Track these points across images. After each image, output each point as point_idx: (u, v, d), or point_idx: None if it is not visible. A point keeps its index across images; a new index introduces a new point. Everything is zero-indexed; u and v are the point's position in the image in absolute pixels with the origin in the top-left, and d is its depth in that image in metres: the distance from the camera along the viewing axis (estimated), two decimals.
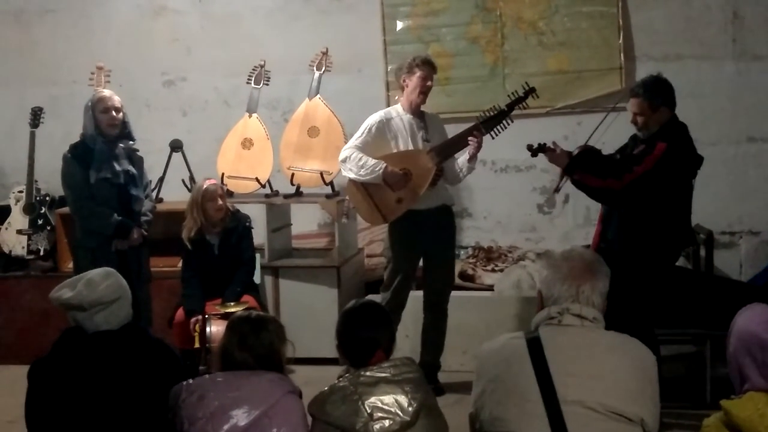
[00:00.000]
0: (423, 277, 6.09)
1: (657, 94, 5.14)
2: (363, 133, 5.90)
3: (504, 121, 5.74)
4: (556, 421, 2.85)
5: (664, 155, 4.99)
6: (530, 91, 5.76)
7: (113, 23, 7.96)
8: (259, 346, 3.48)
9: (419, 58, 5.88)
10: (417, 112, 5.90)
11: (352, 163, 5.82)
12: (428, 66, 5.83)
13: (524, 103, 5.79)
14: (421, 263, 6.06)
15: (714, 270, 6.41)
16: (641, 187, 5.00)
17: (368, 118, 5.97)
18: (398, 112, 5.92)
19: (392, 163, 5.76)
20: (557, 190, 5.65)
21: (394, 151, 5.85)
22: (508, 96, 5.80)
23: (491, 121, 5.72)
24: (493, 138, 5.80)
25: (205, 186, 6.04)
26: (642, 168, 5.00)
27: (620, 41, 7.15)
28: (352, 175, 5.87)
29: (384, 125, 5.87)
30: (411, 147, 5.83)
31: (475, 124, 5.75)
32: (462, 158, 5.83)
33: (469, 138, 5.70)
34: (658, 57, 7.15)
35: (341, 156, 5.90)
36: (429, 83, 5.84)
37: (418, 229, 5.86)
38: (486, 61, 7.40)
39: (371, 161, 5.77)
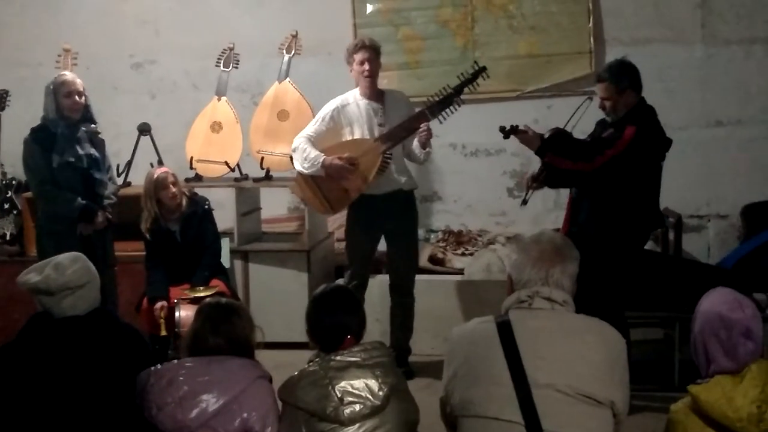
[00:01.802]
0: (387, 261, 6.12)
1: (622, 76, 5.19)
2: (317, 121, 5.92)
3: (453, 104, 5.66)
4: (527, 404, 2.87)
5: (634, 138, 5.03)
6: (480, 71, 5.68)
7: (81, 4, 7.86)
8: (231, 332, 3.48)
9: (353, 44, 5.85)
10: (374, 95, 5.86)
11: (298, 154, 5.84)
12: (364, 50, 5.77)
13: (475, 84, 5.72)
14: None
15: (682, 253, 6.45)
16: (612, 169, 5.04)
17: (324, 106, 5.96)
18: (355, 97, 5.88)
19: (339, 151, 5.74)
20: (525, 202, 5.62)
21: (349, 138, 5.83)
22: (458, 77, 5.72)
23: (439, 106, 5.64)
24: (440, 122, 5.76)
25: (155, 175, 5.97)
26: (612, 151, 5.03)
27: (590, 25, 7.15)
28: (298, 166, 5.89)
29: (338, 112, 5.86)
30: (366, 133, 5.79)
31: (421, 110, 5.69)
32: (416, 144, 5.80)
33: (420, 126, 5.64)
34: (627, 41, 7.17)
35: (293, 145, 5.92)
36: (367, 67, 5.75)
37: (374, 214, 5.86)
38: (456, 45, 7.38)
39: (313, 153, 5.76)
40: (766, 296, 5.47)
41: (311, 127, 5.91)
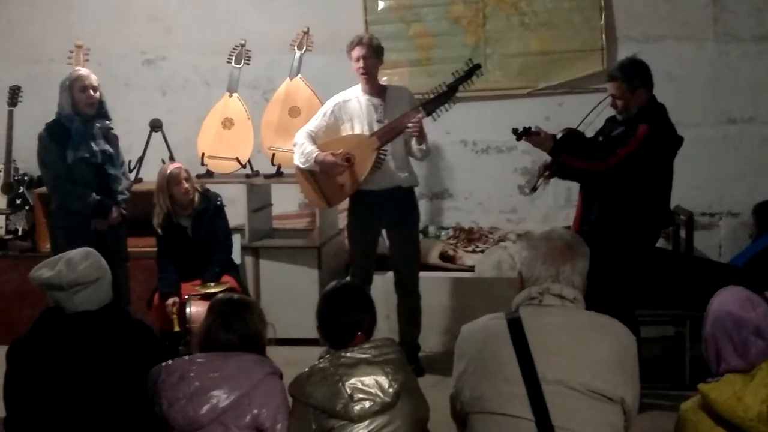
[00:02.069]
0: (390, 258, 6.16)
1: (634, 75, 5.18)
2: (318, 116, 5.98)
3: (448, 102, 5.66)
4: (537, 400, 2.86)
5: (647, 136, 5.03)
6: (474, 68, 5.67)
7: (93, 1, 7.88)
8: (243, 328, 3.48)
9: (351, 40, 5.86)
10: (375, 91, 5.88)
11: (296, 148, 5.93)
12: (359, 47, 5.78)
13: (469, 81, 5.70)
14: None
15: (694, 251, 6.44)
16: (626, 168, 5.04)
17: (327, 101, 6.02)
18: (357, 93, 5.91)
19: (336, 147, 5.79)
20: (534, 189, 5.62)
21: (349, 133, 5.86)
22: (452, 74, 5.73)
23: (433, 103, 5.65)
24: (434, 120, 5.77)
25: (168, 170, 5.97)
26: (626, 150, 5.03)
27: (602, 22, 7.13)
28: (296, 161, 5.96)
29: (339, 108, 5.90)
30: (366, 129, 5.81)
31: (415, 107, 5.70)
32: (413, 141, 5.81)
33: (409, 123, 5.65)
34: (639, 38, 7.15)
35: (294, 140, 6.00)
36: (361, 64, 5.77)
37: (372, 209, 5.90)
38: (467, 41, 7.36)
39: (308, 148, 5.83)
40: None
41: (313, 122, 5.98)
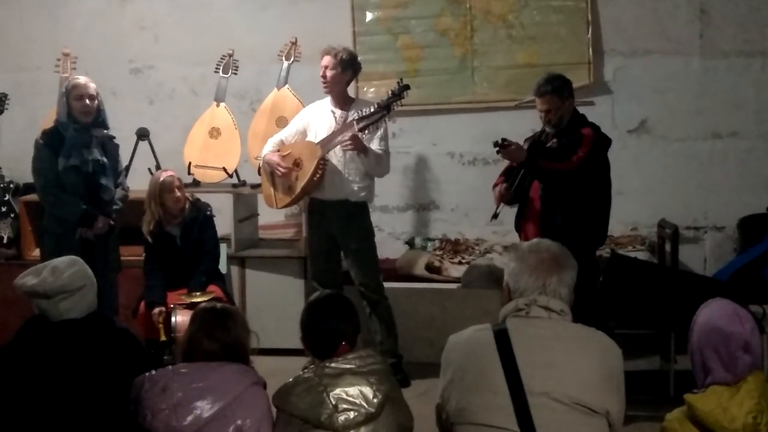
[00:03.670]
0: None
1: (563, 87, 5.43)
2: (292, 122, 6.19)
3: (381, 120, 5.76)
4: (522, 412, 2.86)
5: (595, 137, 5.34)
6: (403, 89, 5.74)
7: (80, 9, 7.87)
8: (226, 337, 3.46)
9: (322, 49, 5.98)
10: (340, 103, 5.97)
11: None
12: (326, 56, 5.89)
13: (399, 102, 5.77)
14: None
15: (679, 264, 6.46)
16: (586, 168, 5.27)
17: (304, 108, 6.23)
18: (326, 103, 6.02)
19: (292, 149, 5.99)
20: (495, 216, 5.69)
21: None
22: (387, 93, 5.84)
23: (365, 120, 5.73)
24: (364, 135, 5.78)
25: (161, 178, 5.98)
26: (584, 149, 5.28)
27: (589, 36, 7.16)
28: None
29: (309, 115, 6.07)
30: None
31: (350, 122, 5.79)
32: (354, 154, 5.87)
33: (346, 138, 5.74)
34: (626, 52, 7.18)
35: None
36: (321, 72, 5.91)
37: (323, 218, 6.04)
38: (455, 54, 7.38)
39: (267, 148, 6.09)
40: (762, 308, 5.48)
41: (287, 129, 6.17)
